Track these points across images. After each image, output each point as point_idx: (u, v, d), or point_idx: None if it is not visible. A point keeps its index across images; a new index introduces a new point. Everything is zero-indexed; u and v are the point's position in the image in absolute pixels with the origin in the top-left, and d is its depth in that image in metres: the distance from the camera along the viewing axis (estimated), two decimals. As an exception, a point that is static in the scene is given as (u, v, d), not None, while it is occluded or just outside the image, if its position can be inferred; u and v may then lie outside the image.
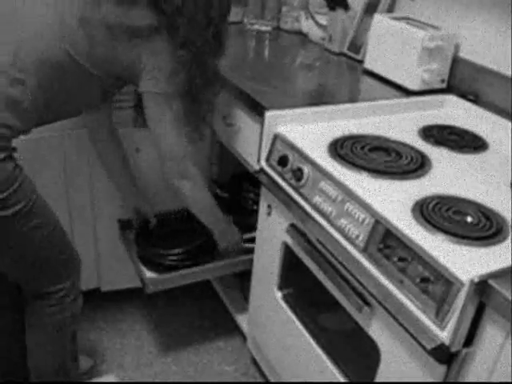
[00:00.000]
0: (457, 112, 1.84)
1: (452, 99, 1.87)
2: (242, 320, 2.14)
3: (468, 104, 1.83)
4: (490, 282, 1.02)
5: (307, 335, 1.61)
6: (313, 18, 2.38)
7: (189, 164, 1.63)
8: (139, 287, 1.92)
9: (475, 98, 1.85)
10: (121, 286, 2.28)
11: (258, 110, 1.66)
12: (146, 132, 1.63)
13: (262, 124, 1.64)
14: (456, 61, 1.92)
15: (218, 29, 1.56)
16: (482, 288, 1.03)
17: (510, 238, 1.18)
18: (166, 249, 1.91)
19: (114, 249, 2.15)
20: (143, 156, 2.06)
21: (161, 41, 1.49)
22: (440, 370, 1.13)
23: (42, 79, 1.43)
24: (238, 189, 2.24)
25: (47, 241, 1.53)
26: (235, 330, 2.23)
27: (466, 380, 1.11)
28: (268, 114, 1.61)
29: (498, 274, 1.04)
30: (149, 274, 1.87)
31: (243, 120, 1.80)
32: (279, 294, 1.74)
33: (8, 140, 1.41)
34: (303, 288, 1.68)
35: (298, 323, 1.65)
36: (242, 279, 2.20)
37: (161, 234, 2.03)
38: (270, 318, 1.81)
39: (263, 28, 2.51)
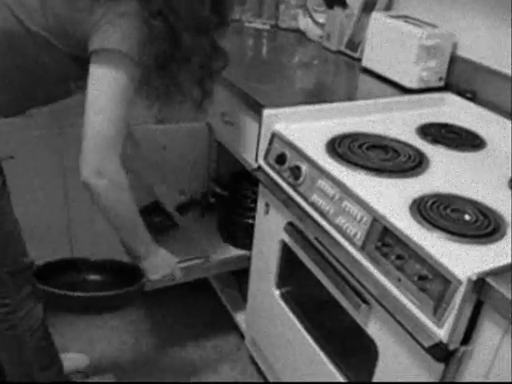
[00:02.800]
0: (455, 110, 1.84)
1: (450, 97, 1.87)
2: (240, 318, 2.14)
3: (466, 102, 1.83)
4: (488, 279, 1.02)
5: (305, 333, 1.61)
6: (311, 16, 2.39)
7: (113, 159, 1.33)
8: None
9: (473, 96, 1.85)
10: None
11: (255, 108, 1.67)
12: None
13: (259, 122, 1.64)
14: (454, 59, 1.93)
15: None
16: (479, 286, 1.03)
17: (507, 235, 1.18)
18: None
19: (111, 247, 2.14)
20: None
21: (129, 3, 1.27)
22: (438, 368, 1.13)
23: None
24: (238, 187, 2.24)
25: None
26: (233, 328, 2.23)
27: (464, 378, 1.11)
28: (266, 112, 1.61)
29: (495, 272, 1.04)
30: None
31: (241, 118, 1.80)
32: (277, 292, 1.73)
33: None
34: (301, 286, 1.68)
35: (295, 321, 1.65)
36: (240, 277, 2.19)
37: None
38: (268, 316, 1.81)
39: (261, 26, 2.51)
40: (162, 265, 1.63)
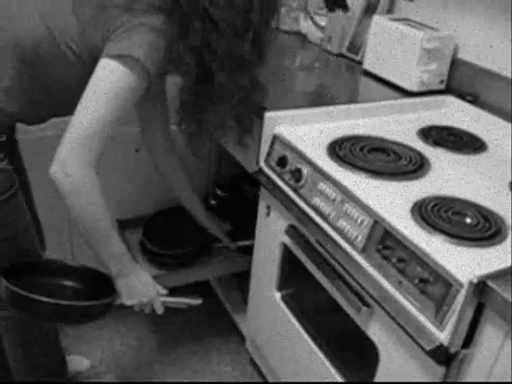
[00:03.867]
0: (456, 113, 1.84)
1: (451, 100, 1.88)
2: (241, 320, 2.14)
3: (467, 105, 1.83)
4: (489, 282, 1.02)
5: (306, 336, 1.61)
6: (312, 19, 2.39)
7: (84, 158, 1.26)
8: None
9: (474, 99, 1.85)
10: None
11: (257, 110, 1.66)
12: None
13: (261, 124, 1.64)
14: (455, 62, 1.93)
15: (256, 33, 1.31)
16: (480, 289, 1.03)
17: (508, 238, 1.18)
18: (169, 248, 1.91)
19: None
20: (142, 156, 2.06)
21: (158, 18, 1.25)
22: (439, 371, 1.13)
23: (19, 57, 1.30)
24: (238, 189, 2.25)
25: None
26: (234, 330, 2.23)
27: (465, 381, 1.11)
28: (267, 115, 1.61)
29: (497, 275, 1.04)
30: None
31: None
32: (278, 295, 1.73)
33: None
34: (302, 289, 1.69)
35: (296, 324, 1.65)
36: (241, 280, 2.20)
37: (164, 233, 2.03)
38: (269, 318, 1.81)
39: (262, 29, 2.51)
40: (138, 290, 1.52)
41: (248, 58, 1.33)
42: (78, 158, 1.25)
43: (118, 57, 1.24)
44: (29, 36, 1.30)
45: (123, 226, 2.10)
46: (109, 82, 1.25)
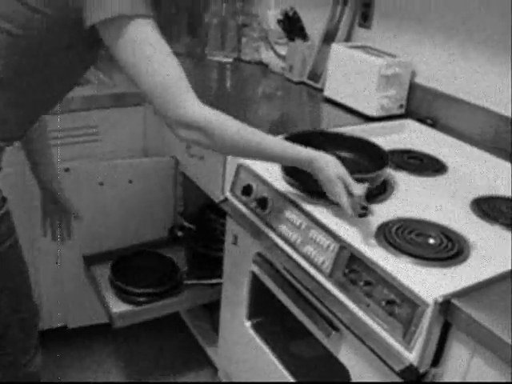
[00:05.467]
0: (416, 136, 1.87)
1: (411, 124, 1.92)
2: (213, 352, 2.13)
3: (426, 128, 1.87)
4: (454, 301, 1.04)
5: (278, 363, 1.60)
6: (272, 48, 2.43)
7: (195, 101, 1.20)
8: (107, 323, 1.90)
9: (433, 123, 1.89)
10: (88, 322, 2.25)
11: (220, 140, 1.67)
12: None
13: (225, 155, 1.65)
14: (413, 87, 1.98)
15: None
16: (446, 308, 1.05)
17: (471, 257, 1.20)
18: (138, 285, 1.91)
19: (80, 285, 2.12)
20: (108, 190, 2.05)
21: None
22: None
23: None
24: (205, 220, 2.24)
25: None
26: (206, 362, 2.21)
27: (436, 400, 1.13)
28: (231, 145, 1.62)
29: (461, 294, 1.06)
30: (116, 309, 1.86)
31: (206, 150, 1.80)
32: (249, 324, 1.73)
33: None
34: (273, 316, 1.68)
35: (268, 352, 1.64)
36: (211, 310, 2.18)
37: (132, 270, 2.03)
38: (241, 347, 1.80)
39: (224, 59, 2.55)
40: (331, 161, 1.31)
41: None
42: (194, 104, 1.20)
43: (113, 22, 1.13)
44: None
45: (90, 261, 2.08)
46: (143, 40, 1.15)
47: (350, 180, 1.28)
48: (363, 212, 1.25)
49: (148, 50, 1.15)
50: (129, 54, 1.15)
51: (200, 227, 2.21)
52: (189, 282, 1.99)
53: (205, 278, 1.99)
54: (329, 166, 1.29)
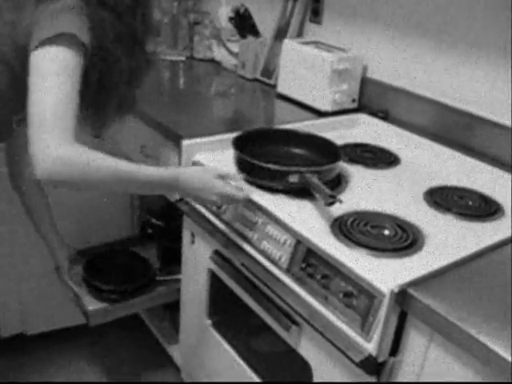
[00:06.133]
0: (369, 130, 1.90)
1: (363, 118, 1.94)
2: (175, 352, 2.12)
3: (379, 121, 1.89)
4: (409, 290, 1.06)
5: (240, 361, 1.60)
6: (225, 46, 2.42)
7: (65, 140, 1.12)
8: (66, 328, 1.88)
9: (385, 116, 1.92)
10: (47, 328, 2.21)
11: (174, 139, 1.67)
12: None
13: (179, 153, 1.64)
14: (365, 81, 2.00)
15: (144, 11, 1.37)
16: (402, 297, 1.06)
17: (425, 247, 1.22)
18: (111, 283, 1.91)
19: (38, 290, 2.09)
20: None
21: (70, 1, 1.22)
22: (370, 381, 1.15)
23: None
24: (172, 216, 2.25)
25: None
26: (168, 362, 2.20)
27: (395, 388, 1.14)
28: (185, 143, 1.61)
29: (416, 283, 1.08)
30: (91, 307, 1.86)
31: (161, 150, 1.79)
32: (209, 322, 1.73)
33: None
34: (233, 313, 1.68)
35: (230, 349, 1.64)
36: (172, 311, 2.17)
37: (104, 268, 2.01)
38: (202, 346, 1.80)
39: (177, 58, 2.53)
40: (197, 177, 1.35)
41: (140, 35, 1.37)
42: (61, 141, 1.12)
43: (51, 40, 1.17)
44: None
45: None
46: (55, 64, 1.17)
47: (224, 172, 1.36)
48: (331, 200, 1.27)
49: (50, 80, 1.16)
50: (49, 69, 1.17)
51: (167, 223, 2.21)
52: (161, 277, 1.99)
53: (176, 273, 1.98)
54: (197, 173, 1.36)
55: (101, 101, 1.39)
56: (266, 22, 2.30)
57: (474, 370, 0.98)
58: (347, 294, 1.14)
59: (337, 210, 1.33)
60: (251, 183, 1.45)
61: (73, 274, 1.93)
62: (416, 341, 1.08)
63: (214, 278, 1.64)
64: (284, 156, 1.59)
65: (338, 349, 1.15)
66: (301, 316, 1.24)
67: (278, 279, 1.30)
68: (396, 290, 1.05)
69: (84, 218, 2.12)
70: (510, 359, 0.89)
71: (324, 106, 1.92)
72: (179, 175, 1.32)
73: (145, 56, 1.44)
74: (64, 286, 1.97)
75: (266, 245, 1.34)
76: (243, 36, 2.29)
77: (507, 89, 1.62)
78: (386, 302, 1.07)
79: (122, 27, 1.32)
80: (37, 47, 1.18)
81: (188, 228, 1.71)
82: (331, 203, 1.27)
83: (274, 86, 2.15)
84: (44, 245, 1.89)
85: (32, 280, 2.10)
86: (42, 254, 2.01)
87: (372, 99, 2.00)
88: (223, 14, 2.44)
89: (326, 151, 1.55)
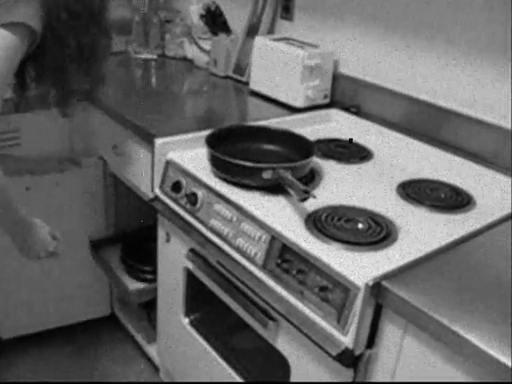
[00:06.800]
0: (341, 125, 1.91)
1: (336, 113, 1.95)
2: (153, 351, 2.11)
3: (351, 116, 1.90)
4: (384, 283, 1.07)
5: (218, 358, 1.60)
6: (196, 43, 2.41)
7: None
8: (40, 332, 1.86)
9: (357, 110, 1.93)
10: (22, 332, 2.19)
11: (147, 137, 1.66)
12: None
13: (152, 152, 1.64)
14: (337, 76, 2.01)
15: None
16: (377, 290, 1.07)
17: (398, 240, 1.23)
18: (148, 264, 2.02)
19: (13, 293, 2.07)
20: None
21: None
22: (347, 374, 1.16)
23: None
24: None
25: None
26: (147, 361, 2.19)
27: (373, 379, 1.15)
28: (158, 142, 1.61)
29: (390, 275, 1.09)
30: (133, 286, 2.01)
31: (134, 149, 1.79)
32: (186, 320, 1.72)
33: None
34: (210, 311, 1.68)
35: (208, 347, 1.64)
36: (149, 309, 2.17)
37: (140, 249, 2.14)
38: (180, 345, 1.79)
39: (148, 56, 2.52)
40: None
41: (96, 11, 1.43)
42: None
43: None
44: None
45: (94, 245, 2.20)
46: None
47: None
48: (305, 196, 1.27)
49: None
50: None
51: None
52: None
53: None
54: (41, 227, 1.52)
55: (61, 79, 1.44)
56: (237, 19, 2.29)
57: (447, 358, 1.00)
58: (323, 289, 1.15)
59: (311, 205, 1.34)
60: (225, 180, 1.45)
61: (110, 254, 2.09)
62: (391, 332, 1.09)
63: (190, 277, 1.64)
64: (257, 153, 1.59)
65: (315, 343, 1.16)
66: (277, 312, 1.25)
67: (254, 276, 1.30)
68: (370, 283, 1.06)
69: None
70: (481, 346, 0.91)
71: (297, 102, 1.93)
72: (33, 225, 1.49)
73: (102, 32, 1.48)
74: (99, 265, 2.09)
75: (241, 241, 1.34)
76: (215, 33, 2.29)
77: (475, 81, 1.64)
78: (360, 295, 1.08)
79: (78, 6, 1.37)
80: None
81: (162, 227, 1.71)
82: (305, 198, 1.28)
83: (247, 83, 2.15)
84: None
85: (4, 283, 2.07)
86: (15, 258, 1.99)
87: (344, 94, 2.01)
88: (194, 11, 2.44)
89: (300, 147, 1.55)
